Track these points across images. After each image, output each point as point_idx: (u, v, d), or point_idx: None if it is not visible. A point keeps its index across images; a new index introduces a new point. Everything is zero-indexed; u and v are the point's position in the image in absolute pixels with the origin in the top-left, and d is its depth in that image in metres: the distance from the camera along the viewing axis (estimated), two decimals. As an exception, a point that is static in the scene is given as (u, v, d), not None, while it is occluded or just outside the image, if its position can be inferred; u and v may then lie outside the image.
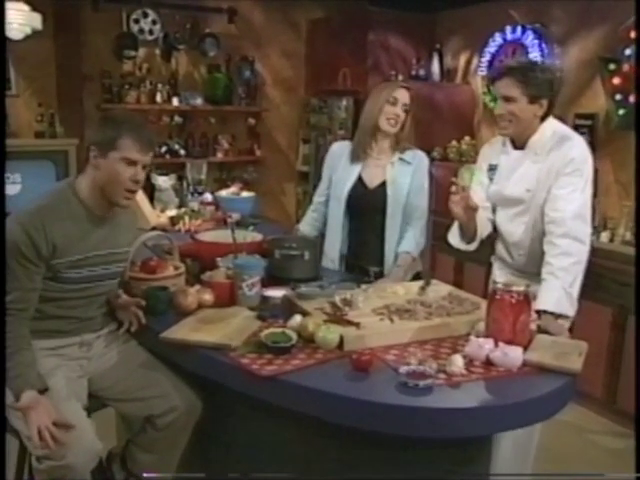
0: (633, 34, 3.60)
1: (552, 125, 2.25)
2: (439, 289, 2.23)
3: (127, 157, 1.86)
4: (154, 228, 3.01)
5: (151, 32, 5.10)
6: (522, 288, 1.78)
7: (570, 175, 2.16)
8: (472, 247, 2.38)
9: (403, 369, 1.60)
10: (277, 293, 2.06)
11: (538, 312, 2.00)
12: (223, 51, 5.43)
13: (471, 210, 2.16)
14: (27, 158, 4.28)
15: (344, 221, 2.70)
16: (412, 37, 5.36)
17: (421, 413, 1.52)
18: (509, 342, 1.73)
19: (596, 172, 2.31)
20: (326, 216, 2.78)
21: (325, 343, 1.77)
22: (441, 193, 2.34)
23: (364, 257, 2.66)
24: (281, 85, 5.89)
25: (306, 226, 2.86)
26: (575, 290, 2.10)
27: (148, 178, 4.04)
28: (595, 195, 2.39)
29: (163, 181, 3.75)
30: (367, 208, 2.66)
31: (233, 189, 3.61)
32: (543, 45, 4.33)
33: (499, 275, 2.44)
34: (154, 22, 5.09)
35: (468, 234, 2.31)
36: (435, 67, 5.25)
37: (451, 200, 2.14)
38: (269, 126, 5.90)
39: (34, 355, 1.84)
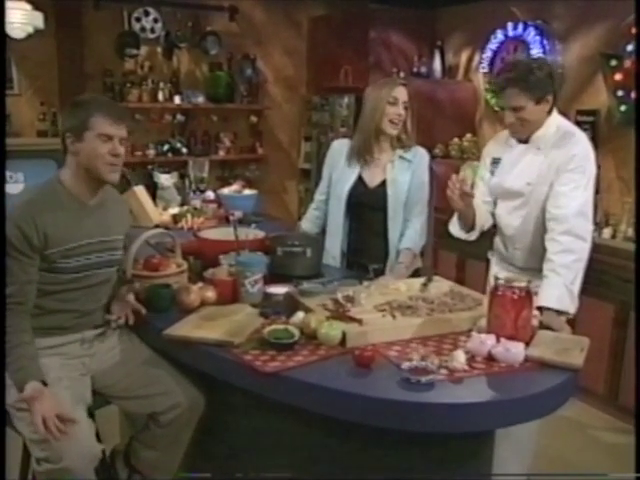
0: (634, 30, 3.59)
1: (556, 120, 2.26)
2: (441, 285, 2.24)
3: (102, 133, 1.88)
4: (157, 226, 3.02)
5: (153, 30, 5.10)
6: (524, 284, 1.78)
7: (572, 172, 2.17)
8: (472, 237, 2.40)
9: (405, 365, 1.61)
10: (279, 290, 2.06)
11: (540, 309, 2.01)
12: (225, 49, 5.42)
13: (467, 197, 2.18)
14: (29, 157, 4.27)
15: (345, 219, 2.70)
16: (413, 34, 5.36)
17: (423, 409, 1.52)
18: (511, 338, 1.73)
19: (598, 169, 2.31)
20: (327, 214, 2.78)
21: (328, 339, 1.77)
22: (443, 190, 2.34)
23: (365, 255, 2.66)
24: (283, 83, 5.88)
25: (308, 223, 2.87)
26: (576, 287, 2.11)
27: (150, 176, 4.07)
28: (597, 192, 2.40)
29: (165, 179, 3.76)
30: (367, 207, 2.66)
31: (235, 187, 3.61)
32: (545, 42, 4.33)
33: (496, 270, 2.45)
34: (155, 20, 5.09)
35: (467, 222, 2.34)
36: (436, 64, 5.24)
37: (448, 188, 2.17)
38: (271, 124, 5.89)
39: (36, 349, 1.84)
